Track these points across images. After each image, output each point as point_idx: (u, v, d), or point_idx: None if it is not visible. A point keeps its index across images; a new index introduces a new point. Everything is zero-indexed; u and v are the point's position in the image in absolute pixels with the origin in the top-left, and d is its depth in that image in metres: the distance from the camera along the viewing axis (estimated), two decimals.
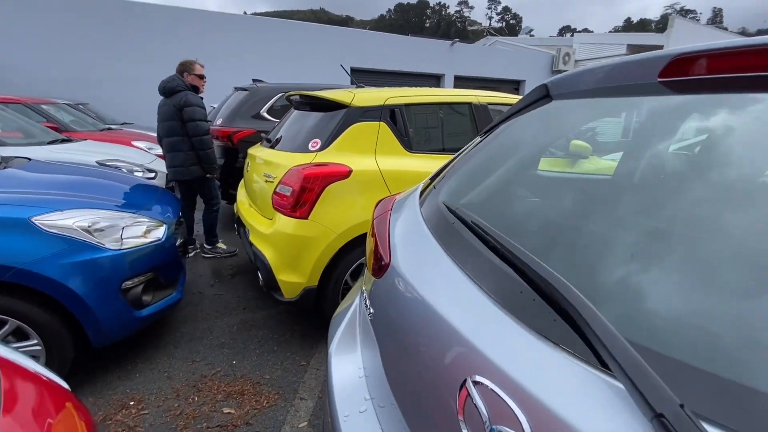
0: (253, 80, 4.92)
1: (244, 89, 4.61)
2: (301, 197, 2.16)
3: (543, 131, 1.21)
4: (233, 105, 4.47)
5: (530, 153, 1.24)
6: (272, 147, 2.71)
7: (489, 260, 0.74)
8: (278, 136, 2.78)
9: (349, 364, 0.99)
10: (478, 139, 1.29)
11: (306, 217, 2.17)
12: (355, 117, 2.38)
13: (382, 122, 2.43)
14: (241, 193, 3.15)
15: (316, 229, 2.18)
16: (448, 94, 2.81)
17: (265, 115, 4.43)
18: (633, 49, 14.09)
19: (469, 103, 2.83)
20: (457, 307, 0.71)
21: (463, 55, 14.22)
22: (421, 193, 1.22)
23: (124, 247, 2.08)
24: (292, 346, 2.43)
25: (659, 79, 0.83)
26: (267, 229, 2.33)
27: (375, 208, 1.32)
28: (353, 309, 1.22)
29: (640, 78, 0.88)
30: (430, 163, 2.53)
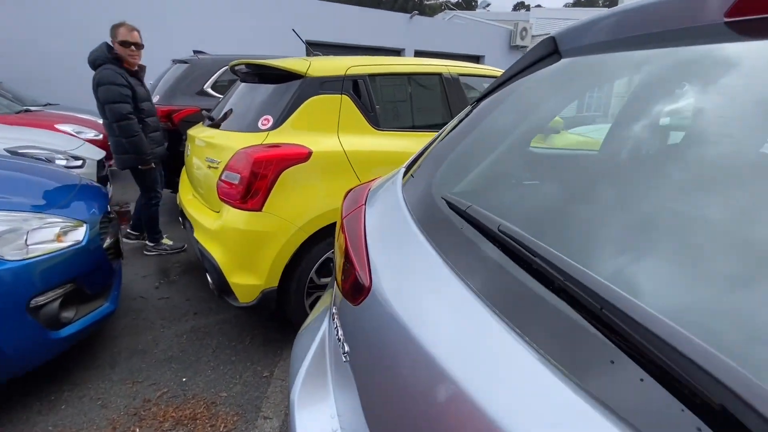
0: (194, 52, 4.35)
1: (184, 62, 4.06)
2: (253, 185, 1.83)
3: (549, 100, 0.97)
4: (171, 80, 3.93)
5: (534, 127, 1.01)
6: (215, 126, 2.32)
7: (523, 285, 0.51)
8: (222, 114, 2.39)
9: (320, 415, 0.74)
10: (467, 110, 1.04)
11: (259, 209, 1.85)
12: (312, 89, 2.05)
13: (344, 95, 2.12)
14: (183, 182, 2.74)
15: (273, 222, 1.87)
16: (416, 63, 2.53)
17: (210, 91, 3.93)
18: None
19: (440, 74, 2.57)
20: (476, 362, 0.47)
21: (422, 29, 13.79)
22: (405, 180, 0.96)
23: (30, 255, 1.68)
24: (253, 354, 2.15)
25: (726, 20, 0.61)
26: (214, 224, 1.99)
27: (344, 200, 1.05)
28: (321, 335, 0.96)
29: (694, 18, 0.65)
30: (400, 142, 2.27)
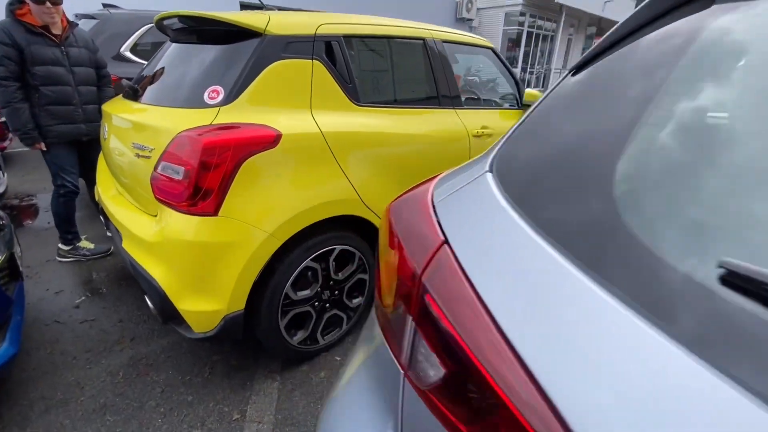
0: (104, 5, 3.50)
1: (91, 17, 3.24)
2: (203, 181, 1.36)
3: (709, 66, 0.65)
4: None
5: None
6: (139, 100, 1.76)
7: None
8: (150, 84, 1.82)
9: None
10: (571, 80, 0.70)
11: (214, 212, 1.39)
12: (274, 52, 1.57)
13: (315, 60, 1.67)
14: (102, 172, 2.14)
15: (233, 229, 1.42)
16: (396, 25, 2.10)
17: (129, 55, 3.19)
18: None
19: (423, 39, 2.18)
20: None
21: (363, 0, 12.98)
22: (501, 176, 0.61)
23: None
24: (215, 390, 1.73)
25: None
26: (150, 232, 1.49)
27: (390, 222, 0.68)
28: (371, 413, 0.60)
29: None
30: (383, 121, 1.88)
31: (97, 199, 2.15)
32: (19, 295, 1.68)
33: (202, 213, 1.38)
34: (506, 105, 2.84)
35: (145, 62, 3.19)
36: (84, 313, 2.20)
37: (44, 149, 2.42)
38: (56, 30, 2.29)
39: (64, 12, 2.34)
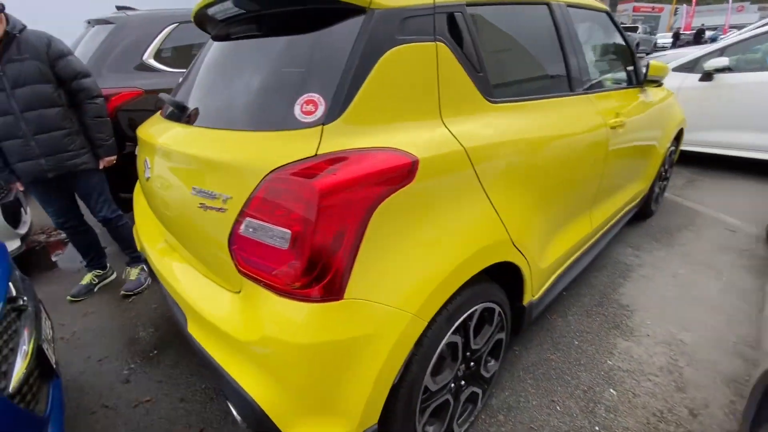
0: (118, 8, 3.03)
1: (107, 22, 2.77)
2: (322, 248, 0.85)
3: None
4: (92, 51, 2.65)
5: None
6: (191, 122, 1.27)
7: None
8: (201, 99, 1.32)
9: None
10: None
11: (338, 295, 0.89)
12: (389, 33, 1.04)
13: (439, 42, 1.13)
14: (141, 215, 1.67)
15: (367, 316, 0.92)
16: None
17: (153, 62, 2.71)
18: None
19: (548, 3, 1.61)
20: None
21: None
22: None
23: None
24: None
25: None
26: (236, 322, 1.00)
27: None
28: None
29: None
30: (522, 123, 1.34)
31: (139, 248, 1.69)
32: (55, 404, 1.23)
33: (321, 298, 0.87)
34: (623, 84, 2.24)
35: (171, 69, 2.73)
36: (136, 389, 1.76)
37: (21, 189, 2.09)
38: None
39: (6, 18, 1.81)
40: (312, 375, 0.90)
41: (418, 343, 1.05)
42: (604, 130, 1.75)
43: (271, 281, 0.90)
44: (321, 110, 0.97)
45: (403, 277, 0.96)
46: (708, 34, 20.86)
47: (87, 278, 2.49)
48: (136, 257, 2.54)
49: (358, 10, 1.04)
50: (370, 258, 0.90)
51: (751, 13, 35.54)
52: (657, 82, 2.34)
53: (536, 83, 1.53)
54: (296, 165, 0.89)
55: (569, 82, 1.65)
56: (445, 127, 1.10)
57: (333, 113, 0.96)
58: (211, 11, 1.34)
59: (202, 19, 1.48)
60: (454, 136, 1.09)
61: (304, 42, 1.11)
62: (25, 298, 1.34)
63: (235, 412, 1.11)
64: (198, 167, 1.07)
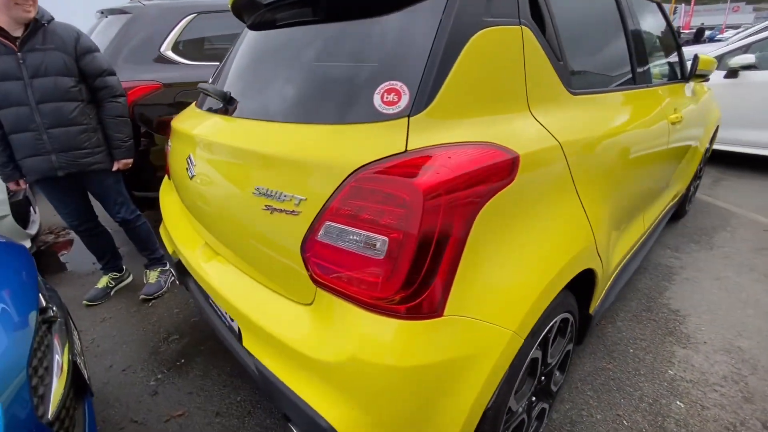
0: None
1: (122, 12, 2.63)
2: (424, 258, 0.74)
3: None
4: (108, 42, 2.51)
5: None
6: (240, 114, 1.15)
7: None
8: (246, 89, 1.20)
9: None
10: None
11: (437, 312, 0.78)
12: (475, 15, 0.92)
13: (524, 26, 1.02)
14: (173, 215, 1.55)
15: (467, 334, 0.81)
16: None
17: (171, 55, 2.58)
18: None
19: None
20: None
21: None
22: None
23: None
24: None
25: None
26: (310, 339, 0.88)
27: None
28: None
29: None
30: (601, 117, 1.24)
31: (170, 251, 1.57)
32: (91, 426, 1.11)
33: (419, 315, 0.76)
34: (674, 78, 2.14)
35: (191, 62, 2.60)
36: (166, 402, 1.64)
37: (22, 187, 1.98)
38: (16, 31, 1.68)
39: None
40: (405, 401, 0.79)
41: (512, 362, 0.94)
42: (666, 125, 1.65)
43: (357, 294, 0.79)
44: (405, 100, 0.86)
45: (504, 289, 0.85)
46: (707, 33, 20.88)
47: (103, 281, 2.37)
48: (156, 259, 2.42)
49: None
50: (471, 269, 0.79)
51: (747, 14, 35.69)
52: (704, 77, 2.25)
53: (608, 75, 1.42)
54: (387, 162, 0.78)
55: (634, 75, 1.54)
56: (536, 119, 0.99)
57: (419, 103, 0.85)
58: None
59: (241, 6, 1.36)
60: (548, 130, 0.98)
61: (375, 25, 0.99)
62: (54, 308, 1.23)
63: None
64: (263, 165, 0.95)
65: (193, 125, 1.29)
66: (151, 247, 2.38)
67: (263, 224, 0.95)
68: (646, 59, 1.66)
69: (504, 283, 0.85)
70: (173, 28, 2.57)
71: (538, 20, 1.07)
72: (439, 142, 0.83)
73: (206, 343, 1.95)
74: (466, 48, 0.90)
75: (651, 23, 1.98)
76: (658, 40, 2.08)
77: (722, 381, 1.62)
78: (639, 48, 1.59)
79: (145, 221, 2.30)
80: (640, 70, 1.58)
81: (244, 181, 0.99)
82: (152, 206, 2.70)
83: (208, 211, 1.20)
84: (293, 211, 0.87)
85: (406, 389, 0.78)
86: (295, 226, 0.87)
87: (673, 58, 2.16)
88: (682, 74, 2.20)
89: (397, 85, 0.87)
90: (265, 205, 0.93)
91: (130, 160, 2.09)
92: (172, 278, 2.49)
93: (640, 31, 1.62)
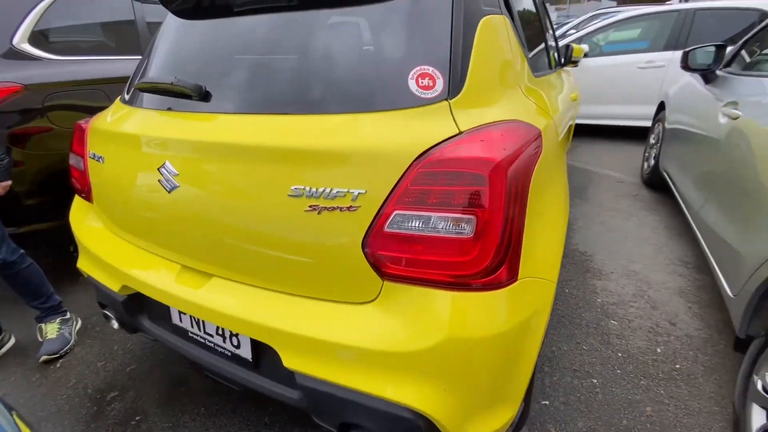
0: None
1: None
2: (507, 230, 0.79)
3: None
4: None
5: None
6: (219, 109, 1.00)
7: None
8: (228, 81, 1.05)
9: None
10: None
11: (514, 277, 0.84)
12: (477, 3, 1.00)
13: (505, 15, 1.13)
14: (112, 247, 1.28)
15: (534, 293, 0.89)
16: None
17: (27, 48, 2.02)
18: None
19: None
20: None
21: None
22: None
23: None
24: None
25: None
26: (385, 333, 0.85)
27: None
28: None
29: None
30: (548, 96, 1.45)
31: (116, 289, 1.27)
32: None
33: (503, 283, 0.81)
34: (558, 64, 2.58)
35: (60, 58, 2.09)
36: None
37: None
38: None
39: None
40: (503, 363, 0.84)
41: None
42: (570, 102, 2.01)
43: (440, 277, 0.80)
44: (440, 84, 0.88)
45: (546, 248, 0.96)
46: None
47: None
48: (52, 308, 1.92)
49: None
50: (530, 233, 0.87)
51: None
52: (576, 63, 2.77)
53: (542, 61, 1.65)
54: (453, 144, 0.80)
55: (549, 62, 1.83)
56: (528, 98, 1.12)
57: (454, 87, 0.89)
58: None
59: None
60: (539, 107, 1.12)
61: (384, 10, 0.98)
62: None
63: None
64: (301, 162, 0.85)
65: (158, 126, 1.07)
66: (44, 294, 1.88)
67: (307, 227, 0.87)
68: (550, 48, 1.98)
69: (545, 242, 0.96)
70: (27, 15, 2.00)
71: (510, 12, 1.20)
72: (480, 122, 0.88)
73: (158, 388, 1.65)
74: (478, 32, 0.96)
75: (546, 19, 2.35)
76: (551, 33, 2.48)
77: (633, 298, 2.08)
78: (549, 39, 1.88)
79: (32, 262, 1.80)
80: (551, 57, 1.88)
81: (275, 183, 0.88)
82: (35, 244, 2.12)
83: (201, 228, 1.02)
84: (350, 206, 0.82)
85: (503, 351, 0.84)
86: (353, 222, 0.83)
87: (556, 46, 2.61)
88: (562, 60, 2.67)
89: (429, 69, 0.89)
90: (310, 206, 0.85)
91: (9, 183, 1.60)
92: (78, 326, 2.02)
93: (547, 26, 1.92)
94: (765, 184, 1.45)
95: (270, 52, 1.03)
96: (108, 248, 1.32)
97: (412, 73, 0.89)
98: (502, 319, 0.82)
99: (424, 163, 0.79)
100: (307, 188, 0.85)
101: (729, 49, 2.42)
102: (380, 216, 0.81)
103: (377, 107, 0.88)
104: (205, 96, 1.04)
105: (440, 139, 0.81)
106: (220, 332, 1.12)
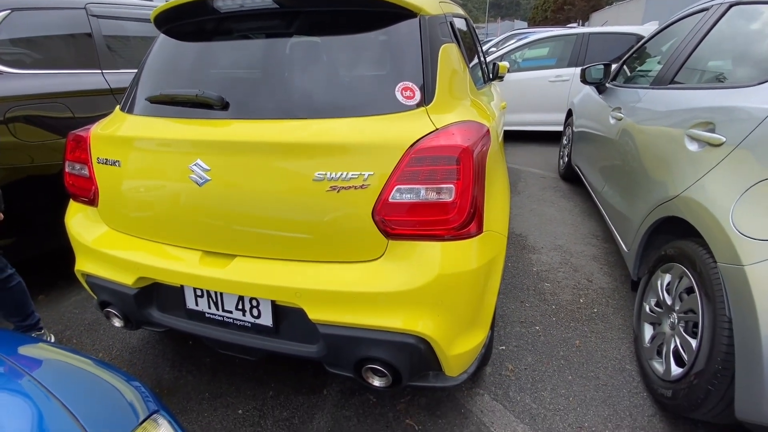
0: None
1: None
2: (476, 195, 1.13)
3: None
4: None
5: None
6: (241, 115, 1.24)
7: None
8: (247, 93, 1.28)
9: None
10: None
11: (482, 230, 1.18)
12: (437, 34, 1.35)
13: (454, 42, 1.50)
14: (124, 244, 1.42)
15: (493, 241, 1.24)
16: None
17: None
18: None
19: (466, 18, 2.15)
20: None
21: None
22: None
23: None
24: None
25: None
26: (393, 279, 1.13)
27: None
28: None
29: None
30: (489, 103, 1.85)
31: (130, 283, 1.40)
32: None
33: (475, 233, 1.14)
34: (488, 78, 3.07)
35: (18, 71, 2.10)
36: None
37: None
38: None
39: None
40: (476, 293, 1.17)
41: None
42: (500, 111, 2.47)
43: (432, 232, 1.11)
44: (418, 95, 1.21)
45: (499, 210, 1.32)
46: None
47: None
48: (31, 326, 1.91)
49: (410, 15, 1.30)
50: (488, 199, 1.22)
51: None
52: (501, 78, 3.29)
53: (479, 76, 2.06)
54: (431, 136, 1.12)
55: (483, 76, 2.27)
56: (475, 106, 1.49)
57: (428, 97, 1.22)
58: (224, 4, 1.30)
59: (194, 8, 1.37)
60: (485, 110, 1.49)
61: (368, 39, 1.29)
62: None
63: (377, 382, 1.23)
64: (324, 154, 1.12)
65: (185, 131, 1.26)
66: (25, 311, 1.87)
67: (327, 204, 1.13)
68: (483, 66, 2.43)
69: (498, 208, 1.32)
70: None
71: (456, 39, 1.58)
72: (448, 122, 1.21)
73: (154, 388, 1.76)
74: (440, 57, 1.31)
75: (478, 43, 2.82)
76: (482, 53, 2.96)
77: (560, 265, 2.58)
78: (482, 58, 2.32)
79: (20, 280, 1.80)
80: (484, 73, 2.32)
81: (300, 171, 1.13)
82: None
83: (230, 214, 1.23)
84: (362, 185, 1.11)
85: (478, 282, 1.17)
86: (364, 197, 1.11)
87: (488, 64, 3.11)
88: (490, 76, 3.17)
89: (410, 84, 1.22)
90: (331, 187, 1.12)
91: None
92: (53, 341, 2.01)
93: (479, 48, 2.36)
94: (641, 165, 1.99)
95: (281, 71, 1.29)
96: (119, 245, 1.44)
97: (397, 87, 1.20)
98: (474, 259, 1.15)
99: (414, 151, 1.10)
100: (329, 173, 1.12)
101: (614, 66, 3.09)
102: (385, 190, 1.10)
103: (374, 112, 1.18)
104: (225, 106, 1.26)
105: (423, 134, 1.13)
106: (240, 306, 1.32)
